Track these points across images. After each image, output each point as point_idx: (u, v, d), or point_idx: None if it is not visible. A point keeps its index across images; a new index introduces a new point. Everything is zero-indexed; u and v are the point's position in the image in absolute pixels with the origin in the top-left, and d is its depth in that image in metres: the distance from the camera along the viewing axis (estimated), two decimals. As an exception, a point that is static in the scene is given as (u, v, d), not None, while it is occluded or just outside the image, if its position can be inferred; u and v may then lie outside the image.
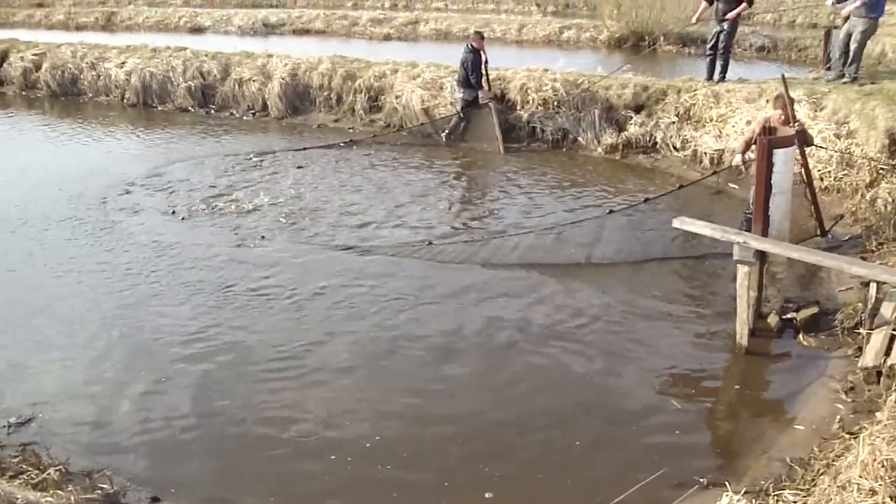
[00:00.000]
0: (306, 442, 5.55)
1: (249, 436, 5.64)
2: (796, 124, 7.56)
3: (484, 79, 12.69)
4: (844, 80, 11.47)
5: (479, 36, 12.66)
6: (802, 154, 7.99)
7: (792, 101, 7.85)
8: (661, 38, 20.27)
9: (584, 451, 5.40)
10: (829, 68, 12.18)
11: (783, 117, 7.54)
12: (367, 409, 5.89)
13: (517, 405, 5.91)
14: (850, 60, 11.46)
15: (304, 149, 12.86)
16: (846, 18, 11.38)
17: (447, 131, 13.16)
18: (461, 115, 12.95)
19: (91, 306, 7.57)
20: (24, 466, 5.16)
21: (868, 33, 11.30)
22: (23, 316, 7.47)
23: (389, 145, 13.12)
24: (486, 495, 4.98)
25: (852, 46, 11.36)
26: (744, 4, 11.99)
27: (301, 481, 5.19)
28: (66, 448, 5.47)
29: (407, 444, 5.48)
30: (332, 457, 5.37)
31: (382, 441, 5.52)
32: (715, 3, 12.19)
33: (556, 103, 12.77)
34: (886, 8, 11.58)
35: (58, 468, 5.12)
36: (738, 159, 8.19)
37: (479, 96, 12.62)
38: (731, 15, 12.02)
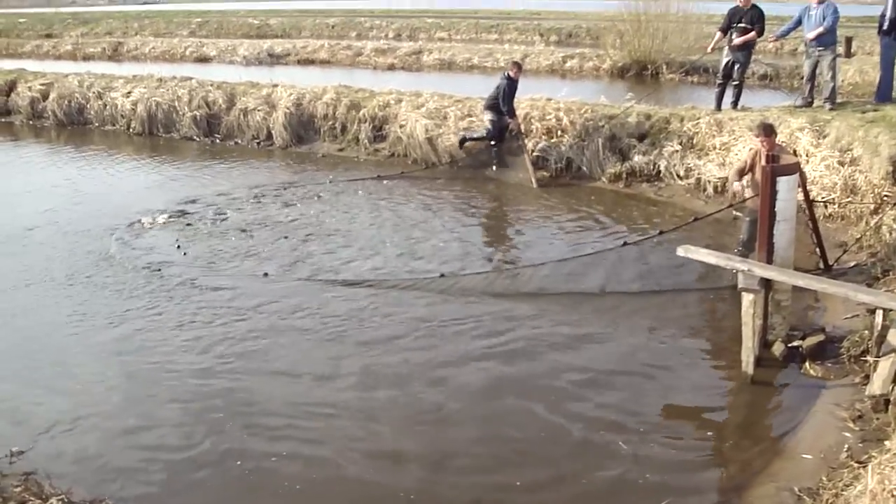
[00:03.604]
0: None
1: (262, 468, 5.53)
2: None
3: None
4: (827, 106, 11.68)
5: (517, 66, 12.64)
6: (804, 188, 7.95)
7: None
8: (664, 67, 20.41)
9: (585, 483, 5.32)
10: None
11: (766, 144, 7.46)
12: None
13: (517, 433, 5.86)
14: (829, 93, 11.71)
15: (329, 182, 12.72)
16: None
17: (495, 163, 13.01)
18: (494, 145, 12.84)
19: (94, 340, 7.57)
20: (26, 496, 5.12)
21: (833, 62, 11.66)
22: (23, 345, 7.48)
23: (413, 178, 12.90)
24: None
25: (826, 77, 11.58)
26: (753, 32, 12.07)
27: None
28: (67, 477, 5.42)
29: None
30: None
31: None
32: (729, 33, 12.26)
33: (559, 132, 12.80)
34: None
35: (60, 497, 5.08)
36: (736, 186, 7.99)
37: (510, 125, 12.55)
38: (738, 41, 12.10)
